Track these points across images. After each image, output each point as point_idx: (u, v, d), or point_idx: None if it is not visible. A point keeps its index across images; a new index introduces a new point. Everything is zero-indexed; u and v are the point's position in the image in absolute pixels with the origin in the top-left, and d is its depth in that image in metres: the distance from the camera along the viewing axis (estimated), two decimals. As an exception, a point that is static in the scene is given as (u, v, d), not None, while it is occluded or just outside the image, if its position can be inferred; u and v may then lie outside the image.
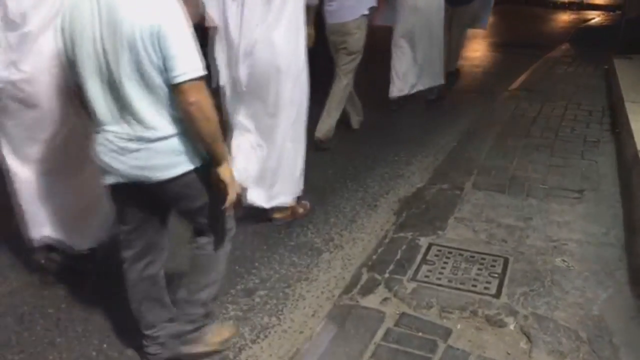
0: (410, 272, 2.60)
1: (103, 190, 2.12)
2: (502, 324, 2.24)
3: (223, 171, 1.88)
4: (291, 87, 2.95)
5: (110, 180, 1.90)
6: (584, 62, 7.35)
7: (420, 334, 2.18)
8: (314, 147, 3.47)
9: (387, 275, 2.58)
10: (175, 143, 1.84)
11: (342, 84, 4.37)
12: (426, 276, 2.57)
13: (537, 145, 4.26)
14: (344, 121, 4.65)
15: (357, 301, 2.39)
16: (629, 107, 4.56)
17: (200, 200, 1.96)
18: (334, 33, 4.24)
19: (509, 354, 2.09)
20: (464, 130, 4.87)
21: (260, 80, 2.92)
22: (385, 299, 2.40)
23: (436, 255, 2.75)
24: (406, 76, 5.15)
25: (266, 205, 3.13)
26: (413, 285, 2.50)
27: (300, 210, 3.32)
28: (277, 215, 3.23)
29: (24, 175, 2.39)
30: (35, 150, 2.34)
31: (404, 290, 2.45)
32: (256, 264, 2.82)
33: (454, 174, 3.76)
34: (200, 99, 1.73)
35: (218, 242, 2.08)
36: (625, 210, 3.20)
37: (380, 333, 2.18)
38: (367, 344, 2.12)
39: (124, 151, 1.83)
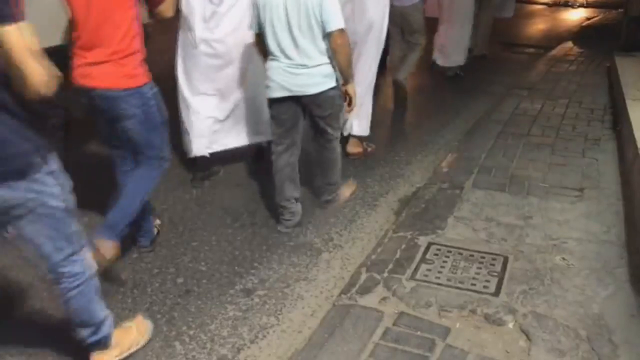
0: (409, 272, 2.59)
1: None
2: (501, 323, 2.23)
3: (350, 87, 3.07)
4: (377, 36, 3.94)
5: (277, 94, 2.95)
6: (586, 60, 7.34)
7: (418, 333, 2.17)
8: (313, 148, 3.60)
9: (386, 274, 2.57)
10: (324, 69, 2.93)
11: (417, 52, 5.43)
12: (425, 275, 2.57)
13: (537, 143, 4.25)
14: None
15: (356, 301, 2.39)
16: (630, 104, 4.55)
17: (333, 107, 3.04)
18: (396, 15, 4.93)
19: (508, 352, 2.09)
20: (465, 129, 4.87)
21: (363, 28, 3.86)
22: (384, 298, 2.39)
23: (435, 255, 2.74)
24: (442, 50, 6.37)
25: (356, 131, 4.07)
26: (412, 284, 2.50)
27: (369, 149, 4.23)
28: (352, 150, 4.12)
29: (195, 102, 3.49)
30: (211, 86, 3.47)
31: (402, 290, 2.45)
32: (255, 264, 2.82)
33: (454, 173, 3.75)
34: (342, 41, 2.86)
35: (336, 138, 3.21)
36: (626, 208, 3.19)
37: (378, 332, 2.18)
38: (366, 343, 2.11)
39: (291, 74, 2.90)
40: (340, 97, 3.06)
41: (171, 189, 3.67)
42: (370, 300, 2.39)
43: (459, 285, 2.49)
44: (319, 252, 2.95)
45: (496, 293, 2.42)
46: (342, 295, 2.45)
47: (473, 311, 2.30)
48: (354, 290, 2.47)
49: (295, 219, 3.17)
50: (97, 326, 2.03)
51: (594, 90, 5.77)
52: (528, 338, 2.15)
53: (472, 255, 2.73)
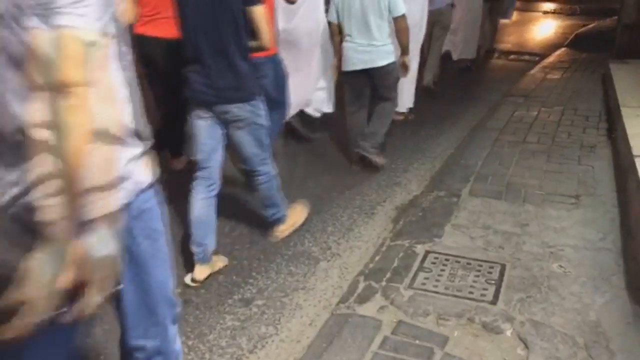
0: (407, 280, 2.60)
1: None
2: (499, 331, 2.24)
3: (407, 58, 4.12)
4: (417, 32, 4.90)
5: (351, 68, 3.96)
6: (580, 68, 7.38)
7: (417, 341, 2.18)
8: (313, 154, 3.70)
9: (384, 283, 2.58)
10: (388, 47, 3.93)
11: (438, 45, 6.22)
12: (423, 284, 2.58)
13: (533, 151, 4.27)
14: (342, 129, 4.65)
15: (354, 310, 2.40)
16: (625, 112, 4.57)
17: (392, 78, 4.05)
18: (433, 14, 5.54)
19: (505, 360, 2.10)
20: (461, 137, 4.89)
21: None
22: (382, 307, 2.40)
23: (433, 263, 2.75)
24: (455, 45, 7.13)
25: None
26: (410, 293, 2.50)
27: (410, 117, 5.30)
28: (395, 118, 4.69)
29: None
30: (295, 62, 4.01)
31: (400, 298, 2.46)
32: (253, 274, 2.83)
33: (451, 181, 3.77)
34: (404, 24, 3.89)
35: (391, 100, 4.17)
36: (622, 215, 3.21)
37: (377, 341, 2.18)
38: (364, 353, 2.12)
39: (363, 52, 3.89)
40: (397, 70, 4.05)
41: (167, 198, 3.67)
42: (368, 309, 2.40)
43: (457, 293, 2.50)
44: (317, 261, 2.95)
45: (494, 301, 2.43)
46: (341, 305, 2.46)
47: (471, 319, 2.31)
48: (352, 299, 2.48)
49: (368, 158, 4.11)
50: (278, 208, 3.05)
51: (589, 98, 5.81)
52: (526, 346, 2.15)
53: (469, 264, 2.74)
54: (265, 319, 2.48)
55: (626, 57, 6.75)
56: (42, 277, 1.10)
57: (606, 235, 2.99)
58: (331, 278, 2.81)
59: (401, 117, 5.17)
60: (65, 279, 1.11)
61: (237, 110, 2.63)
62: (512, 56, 8.77)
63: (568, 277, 2.61)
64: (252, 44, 2.63)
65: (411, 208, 3.45)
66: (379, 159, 4.11)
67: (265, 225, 3.30)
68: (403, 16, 3.85)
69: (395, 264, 2.74)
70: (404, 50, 4.05)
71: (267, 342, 2.34)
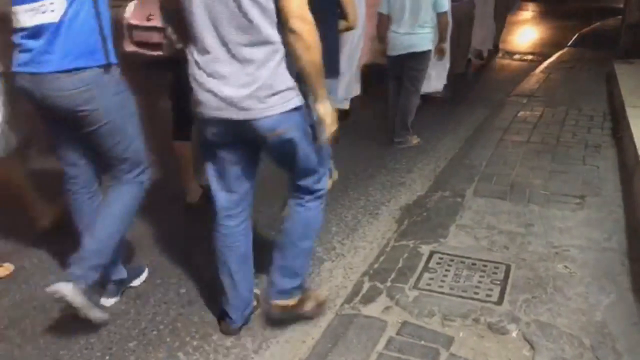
0: (412, 281, 2.60)
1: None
2: (504, 332, 2.24)
3: (445, 45, 4.80)
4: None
5: (394, 52, 4.59)
6: (585, 67, 7.37)
7: (422, 342, 2.17)
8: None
9: (388, 283, 2.58)
10: (429, 35, 4.50)
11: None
12: (428, 284, 2.57)
13: (538, 151, 4.27)
14: (346, 131, 4.66)
15: (359, 310, 2.39)
16: (630, 111, 4.57)
17: (425, 62, 4.64)
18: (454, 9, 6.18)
19: (511, 361, 2.09)
20: (465, 137, 4.89)
21: None
22: (387, 308, 2.40)
23: (438, 263, 2.75)
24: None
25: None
26: (415, 293, 2.50)
27: (446, 96, 5.98)
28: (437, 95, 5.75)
29: None
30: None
31: (405, 299, 2.45)
32: (257, 274, 2.81)
33: (455, 181, 3.76)
34: (446, 19, 4.53)
35: (417, 88, 4.72)
36: (627, 215, 3.20)
37: (382, 342, 2.18)
38: (369, 353, 2.11)
39: (404, 37, 4.50)
40: (429, 59, 4.66)
41: (173, 199, 3.68)
42: (373, 309, 2.39)
43: (462, 294, 2.49)
44: (322, 262, 2.95)
45: (499, 302, 2.43)
46: (345, 305, 2.46)
47: (476, 320, 2.30)
48: (357, 299, 2.47)
49: (405, 145, 4.73)
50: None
51: (593, 97, 5.80)
52: (532, 347, 2.15)
53: (474, 264, 2.73)
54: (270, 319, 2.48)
55: (630, 56, 6.75)
56: (332, 112, 2.02)
57: (611, 236, 2.98)
58: (336, 278, 2.80)
59: (439, 95, 5.87)
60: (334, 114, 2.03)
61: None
62: (515, 56, 8.76)
63: (573, 277, 2.61)
64: (341, 24, 3.18)
65: (416, 208, 3.44)
66: (414, 140, 4.76)
67: (269, 224, 3.31)
68: (446, 12, 4.53)
69: (400, 265, 2.74)
70: (443, 38, 4.74)
71: (272, 343, 2.33)
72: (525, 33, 10.80)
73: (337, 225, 3.33)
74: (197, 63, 1.97)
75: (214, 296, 2.64)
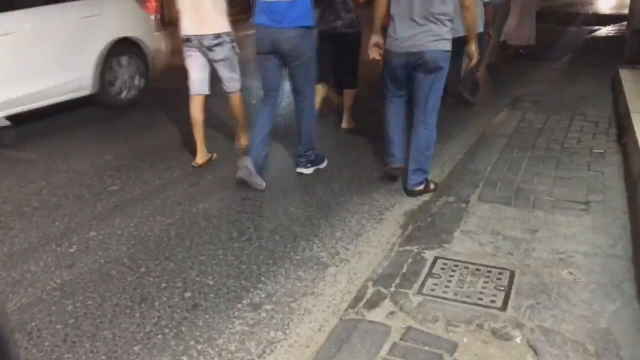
0: (416, 286, 2.60)
1: None
2: (508, 338, 2.23)
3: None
4: None
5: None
6: (590, 73, 7.35)
7: (426, 348, 2.17)
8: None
9: (393, 289, 2.58)
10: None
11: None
12: (432, 290, 2.57)
13: (543, 157, 4.26)
14: (348, 135, 4.67)
15: (363, 315, 2.39)
16: (636, 118, 4.55)
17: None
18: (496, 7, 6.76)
19: (515, 368, 2.09)
20: (470, 142, 4.88)
21: None
22: (391, 313, 2.40)
23: (442, 269, 2.75)
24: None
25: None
26: (419, 299, 2.50)
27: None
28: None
29: None
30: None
31: (410, 304, 2.45)
32: (262, 279, 2.83)
33: (460, 186, 3.76)
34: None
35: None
36: (632, 221, 3.19)
37: (386, 347, 2.18)
38: (373, 359, 2.11)
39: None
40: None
41: (178, 203, 3.70)
42: (377, 315, 2.39)
43: (466, 300, 2.49)
44: (326, 267, 2.95)
45: (503, 308, 2.42)
46: (350, 310, 2.46)
47: (480, 326, 2.30)
48: (361, 305, 2.48)
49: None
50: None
51: (599, 103, 5.78)
52: (536, 353, 2.14)
53: (478, 270, 2.73)
54: (275, 324, 2.49)
55: (636, 62, 6.73)
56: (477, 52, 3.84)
57: (617, 242, 2.98)
58: (340, 283, 2.81)
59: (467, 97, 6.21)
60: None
61: None
62: (521, 61, 8.75)
63: (578, 284, 2.60)
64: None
65: (420, 214, 3.44)
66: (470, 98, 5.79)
67: (274, 229, 3.32)
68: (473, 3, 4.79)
69: (404, 270, 2.74)
70: (473, 30, 5.01)
71: (276, 347, 2.34)
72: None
73: (341, 231, 3.34)
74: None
75: (218, 301, 2.65)
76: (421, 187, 3.80)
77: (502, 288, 2.57)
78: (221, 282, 2.80)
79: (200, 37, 4.08)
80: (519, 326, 2.29)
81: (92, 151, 4.73)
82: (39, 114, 5.31)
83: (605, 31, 11.51)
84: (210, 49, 4.13)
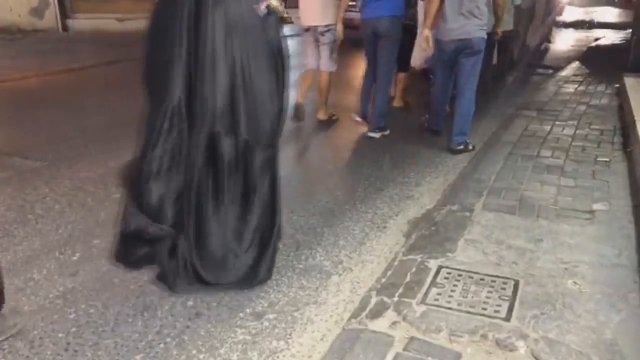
0: (419, 295, 2.58)
1: None
2: (512, 348, 2.21)
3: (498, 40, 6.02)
4: None
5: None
6: (594, 81, 7.35)
7: (429, 358, 2.15)
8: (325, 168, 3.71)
9: (396, 298, 2.56)
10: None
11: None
12: (435, 299, 2.55)
13: (547, 165, 4.25)
14: (350, 143, 4.66)
15: (366, 325, 2.38)
16: (640, 126, 4.54)
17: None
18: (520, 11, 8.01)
19: (519, 379, 2.07)
20: (474, 150, 4.87)
21: None
22: (394, 323, 2.38)
23: (446, 278, 2.73)
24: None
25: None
26: (422, 308, 2.48)
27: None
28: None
29: None
30: None
31: (413, 314, 2.44)
32: (265, 287, 2.82)
33: (464, 195, 3.75)
34: (504, 4, 5.38)
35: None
36: (637, 231, 3.17)
37: (389, 357, 2.16)
38: (376, 369, 2.10)
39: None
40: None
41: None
42: (380, 324, 2.38)
43: (470, 309, 2.47)
44: (329, 275, 2.94)
45: (507, 318, 2.40)
46: (352, 320, 2.44)
47: (484, 336, 2.28)
48: (364, 314, 2.46)
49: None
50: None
51: (603, 112, 5.78)
52: (540, 364, 2.13)
53: (482, 279, 2.71)
54: (277, 333, 2.47)
55: (641, 70, 6.71)
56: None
57: (622, 252, 2.96)
58: (343, 292, 2.79)
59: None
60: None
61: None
62: (525, 69, 8.75)
63: (583, 294, 2.58)
64: None
65: (424, 222, 3.43)
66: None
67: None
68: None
69: (407, 279, 2.72)
70: (498, 20, 5.49)
71: (278, 357, 2.32)
72: (535, 46, 10.79)
73: (344, 239, 3.33)
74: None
75: (221, 309, 2.64)
76: (461, 147, 4.81)
77: (506, 298, 2.55)
78: (223, 291, 2.78)
79: (313, 27, 5.44)
80: (523, 336, 2.27)
81: (96, 158, 4.74)
82: (41, 118, 5.33)
83: (609, 39, 11.50)
84: (322, 34, 5.43)
